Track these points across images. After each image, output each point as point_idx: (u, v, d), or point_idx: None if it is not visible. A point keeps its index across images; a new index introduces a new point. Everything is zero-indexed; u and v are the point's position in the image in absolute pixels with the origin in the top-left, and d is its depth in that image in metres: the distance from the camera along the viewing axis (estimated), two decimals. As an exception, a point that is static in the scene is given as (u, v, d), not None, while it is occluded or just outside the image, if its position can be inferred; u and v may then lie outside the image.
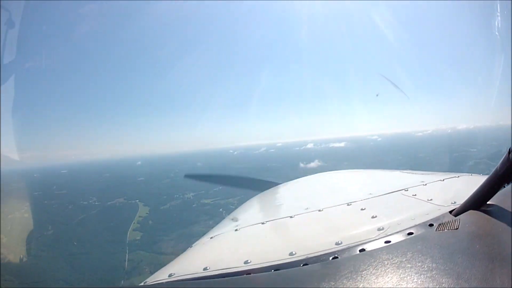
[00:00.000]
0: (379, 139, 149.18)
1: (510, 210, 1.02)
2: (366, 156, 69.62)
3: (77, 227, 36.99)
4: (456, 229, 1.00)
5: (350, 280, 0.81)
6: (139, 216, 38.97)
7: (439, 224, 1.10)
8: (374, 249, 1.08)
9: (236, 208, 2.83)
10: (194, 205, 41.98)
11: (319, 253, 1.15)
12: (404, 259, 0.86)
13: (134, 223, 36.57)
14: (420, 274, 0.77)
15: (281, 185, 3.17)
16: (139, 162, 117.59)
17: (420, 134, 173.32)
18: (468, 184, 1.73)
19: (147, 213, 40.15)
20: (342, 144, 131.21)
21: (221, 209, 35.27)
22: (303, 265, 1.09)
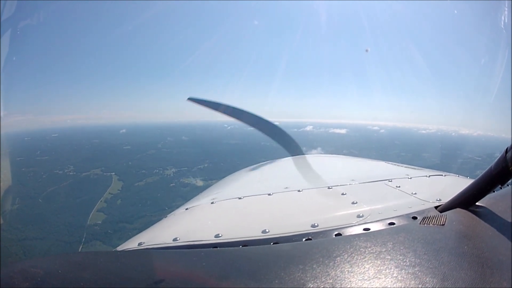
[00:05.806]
0: (382, 130, 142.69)
1: (500, 215, 0.95)
2: (369, 148, 65.44)
3: (43, 202, 34.11)
4: (442, 225, 0.94)
5: (321, 265, 0.74)
6: (110, 193, 35.74)
7: (424, 218, 1.01)
8: (351, 235, 1.03)
9: None
10: (172, 185, 38.16)
11: (292, 234, 1.11)
12: (383, 249, 0.79)
13: (101, 201, 33.32)
14: (401, 269, 0.69)
15: (264, 163, 3.20)
16: (124, 130, 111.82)
17: (424, 132, 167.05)
18: (455, 184, 1.73)
19: (119, 190, 36.84)
20: (343, 131, 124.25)
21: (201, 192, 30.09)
22: (273, 244, 1.04)
